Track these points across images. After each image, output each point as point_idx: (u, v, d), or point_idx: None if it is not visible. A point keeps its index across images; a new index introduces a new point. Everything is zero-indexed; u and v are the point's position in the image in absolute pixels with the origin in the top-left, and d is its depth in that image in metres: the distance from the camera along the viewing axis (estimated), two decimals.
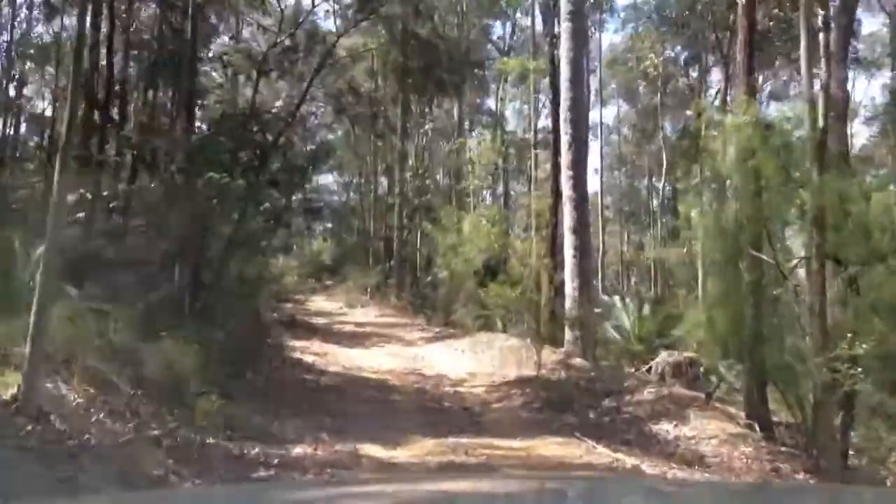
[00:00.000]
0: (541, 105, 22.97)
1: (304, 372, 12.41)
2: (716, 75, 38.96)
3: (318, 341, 16.08)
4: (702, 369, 13.27)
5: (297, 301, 25.45)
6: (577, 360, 13.94)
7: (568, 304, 15.25)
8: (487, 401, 11.58)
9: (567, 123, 15.37)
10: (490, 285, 17.35)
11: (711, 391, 10.91)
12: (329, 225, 45.95)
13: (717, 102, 24.94)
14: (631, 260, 44.11)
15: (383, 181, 31.52)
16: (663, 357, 13.79)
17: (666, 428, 9.56)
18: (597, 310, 16.26)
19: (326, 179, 49.58)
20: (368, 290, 27.28)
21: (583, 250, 15.34)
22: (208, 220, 11.40)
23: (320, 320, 21.02)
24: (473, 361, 14.88)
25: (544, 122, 25.79)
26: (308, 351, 14.64)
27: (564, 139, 15.48)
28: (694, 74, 38.60)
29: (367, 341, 17.23)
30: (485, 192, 24.44)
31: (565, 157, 15.38)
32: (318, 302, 26.98)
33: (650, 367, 13.72)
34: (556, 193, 17.19)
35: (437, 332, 18.83)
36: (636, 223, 45.90)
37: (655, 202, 45.81)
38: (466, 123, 29.07)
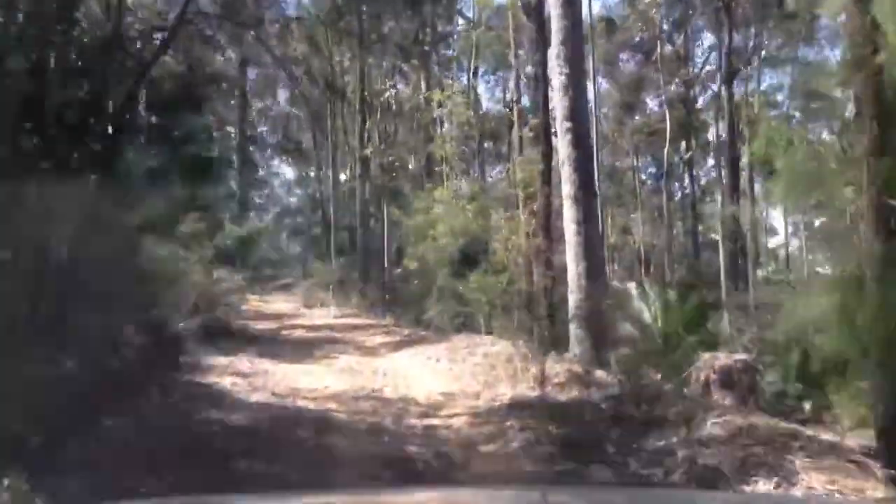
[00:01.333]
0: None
1: (208, 407, 8.48)
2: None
3: (251, 356, 12.16)
4: (762, 377, 9.63)
5: (243, 304, 21.53)
6: (593, 372, 10.21)
7: (573, 295, 11.47)
8: (472, 441, 7.76)
9: (561, 60, 11.54)
10: (470, 276, 13.59)
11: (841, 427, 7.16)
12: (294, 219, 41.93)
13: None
14: (615, 244, 40.56)
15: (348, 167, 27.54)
16: (706, 361, 10.04)
17: (766, 490, 5.81)
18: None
19: (287, 173, 45.66)
20: (331, 287, 23.32)
21: (588, 224, 11.56)
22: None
23: (266, 325, 17.09)
24: (451, 375, 11.06)
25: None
26: (230, 371, 10.73)
27: (558, 81, 11.66)
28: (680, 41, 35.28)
29: (316, 351, 13.33)
30: (458, 173, 20.71)
31: (560, 104, 11.56)
32: (274, 303, 23.02)
33: (686, 376, 9.99)
34: (547, 157, 13.38)
35: (407, 336, 14.99)
36: (620, 206, 42.42)
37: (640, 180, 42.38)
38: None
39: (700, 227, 38.83)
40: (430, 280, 16.02)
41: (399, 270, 22.46)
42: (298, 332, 15.95)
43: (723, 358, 10.08)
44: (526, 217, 13.78)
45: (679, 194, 41.23)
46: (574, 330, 11.29)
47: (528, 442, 7.54)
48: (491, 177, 30.06)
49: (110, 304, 8.39)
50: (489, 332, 13.27)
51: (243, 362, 11.56)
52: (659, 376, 10.19)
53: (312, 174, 30.48)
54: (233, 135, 35.36)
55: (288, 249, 51.24)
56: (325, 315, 19.42)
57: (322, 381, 10.58)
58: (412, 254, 16.75)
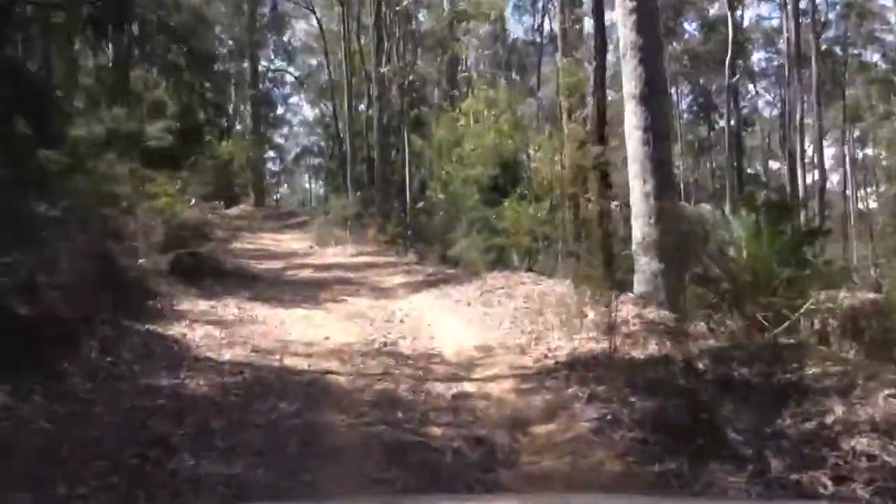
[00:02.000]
0: None
1: (158, 369, 6.21)
2: None
3: (241, 299, 9.86)
4: None
5: (248, 242, 19.33)
6: (669, 317, 7.79)
7: (638, 220, 8.98)
8: (522, 418, 5.40)
9: None
10: (505, 203, 11.14)
11: None
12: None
13: None
14: None
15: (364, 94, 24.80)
16: (821, 302, 7.55)
17: None
18: None
19: (308, 114, 42.94)
20: (349, 223, 20.95)
21: (657, 131, 8.97)
22: None
23: (271, 265, 14.81)
24: (486, 322, 8.67)
25: None
26: (208, 318, 8.44)
27: None
28: None
29: (323, 294, 11.03)
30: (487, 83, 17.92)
31: None
32: (286, 242, 20.72)
33: (793, 322, 7.51)
34: (601, 51, 10.69)
35: (431, 275, 12.61)
36: None
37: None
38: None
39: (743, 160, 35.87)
40: (457, 211, 13.58)
41: (422, 204, 20.05)
42: (306, 272, 13.67)
43: (848, 296, 7.65)
44: (572, 129, 11.17)
45: (719, 125, 38.04)
46: (641, 264, 8.82)
47: (603, 420, 5.16)
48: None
49: (25, 229, 6.09)
50: (530, 270, 10.85)
51: (229, 307, 9.28)
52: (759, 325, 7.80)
53: (329, 108, 27.77)
54: (245, 66, 32.85)
55: (310, 189, 48.92)
56: (339, 253, 17.11)
57: (323, 331, 8.27)
58: (436, 180, 14.29)
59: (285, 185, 54.56)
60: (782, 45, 30.85)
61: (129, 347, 6.67)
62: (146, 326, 7.52)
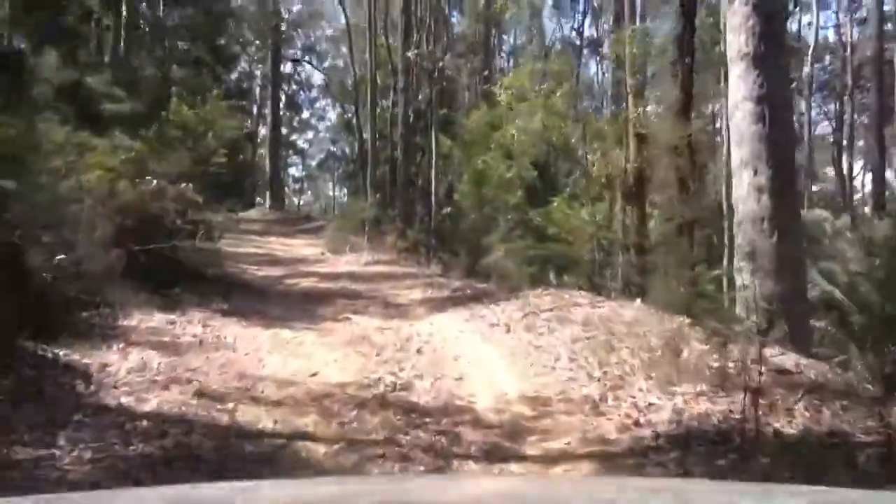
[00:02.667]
0: None
1: (29, 426, 3.88)
2: None
3: (213, 313, 7.50)
4: None
5: (256, 245, 17.18)
6: (805, 362, 5.34)
7: (746, 224, 6.55)
8: None
9: None
10: (554, 202, 8.77)
11: None
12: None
13: None
14: None
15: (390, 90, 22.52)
16: None
17: None
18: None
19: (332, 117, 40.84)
20: (366, 227, 18.63)
21: (775, 102, 6.53)
22: None
23: (270, 272, 12.52)
24: (534, 359, 6.23)
25: None
26: (153, 340, 6.09)
27: None
28: None
29: (322, 309, 8.65)
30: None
31: None
32: (296, 246, 18.45)
33: None
34: (689, 10, 8.24)
35: (458, 290, 10.19)
36: None
37: None
38: None
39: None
40: (494, 211, 11.19)
41: (448, 210, 17.69)
42: (309, 282, 11.34)
43: None
44: (641, 112, 8.75)
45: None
46: (747, 285, 6.36)
47: None
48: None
49: None
50: (590, 289, 8.41)
51: (192, 324, 6.93)
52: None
53: (352, 110, 25.49)
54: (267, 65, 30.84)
55: (333, 196, 46.73)
56: (352, 261, 14.79)
57: (310, 363, 5.91)
58: (469, 174, 11.92)
59: (308, 192, 52.60)
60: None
61: (5, 388, 4.35)
62: (57, 351, 5.21)
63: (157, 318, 6.92)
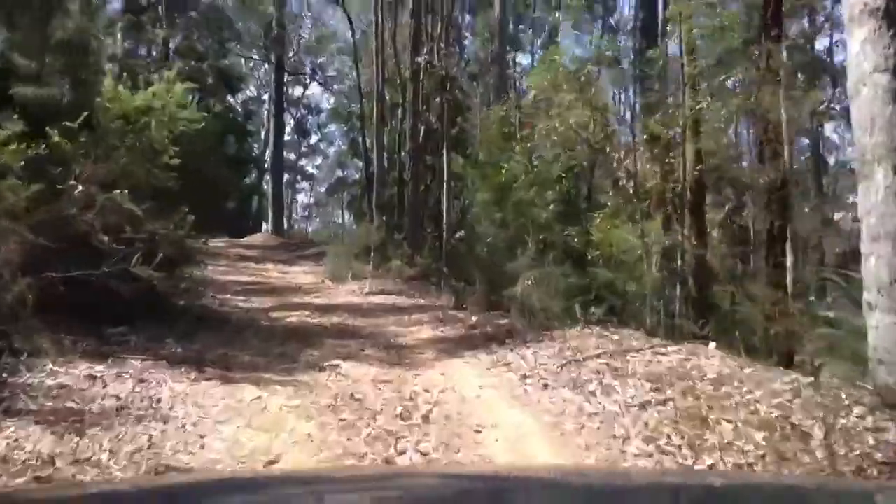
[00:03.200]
0: None
1: None
2: None
3: (158, 363, 5.72)
4: None
5: (250, 272, 15.51)
6: None
7: (883, 244, 4.68)
8: None
9: None
10: (596, 217, 6.97)
11: None
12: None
13: None
14: None
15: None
16: None
17: None
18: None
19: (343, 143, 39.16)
20: (371, 253, 16.86)
21: None
22: None
23: (258, 302, 10.72)
24: (591, 433, 4.39)
25: None
26: (49, 405, 4.32)
27: None
28: None
29: (307, 353, 6.78)
30: None
31: None
32: (295, 275, 16.67)
33: None
34: None
35: (475, 326, 8.34)
36: None
37: None
38: None
39: None
40: (520, 228, 9.37)
41: (462, 234, 15.88)
42: (299, 315, 9.50)
43: None
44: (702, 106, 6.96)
45: None
46: (884, 323, 4.52)
47: None
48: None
49: None
50: (645, 327, 6.55)
51: (120, 379, 5.10)
52: None
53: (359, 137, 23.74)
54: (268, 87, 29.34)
55: (343, 222, 45.02)
56: (354, 291, 12.99)
57: (270, 441, 4.08)
58: (482, 190, 10.14)
59: (318, 218, 51.09)
60: None
61: None
62: None
63: (77, 371, 5.11)
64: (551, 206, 8.20)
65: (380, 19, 18.78)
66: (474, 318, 8.89)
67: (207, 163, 29.12)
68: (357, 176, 38.49)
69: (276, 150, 27.66)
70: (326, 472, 2.64)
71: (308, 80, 37.43)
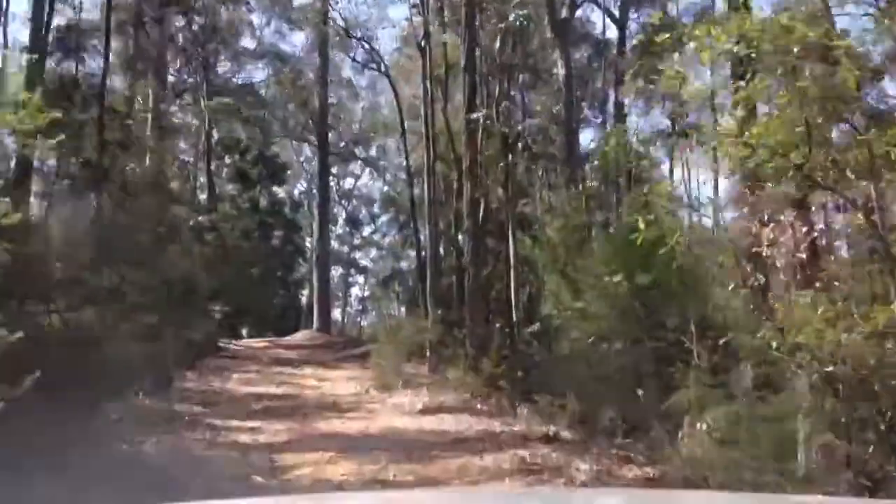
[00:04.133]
0: None
1: None
2: None
3: None
4: None
5: (282, 379, 12.54)
6: None
7: None
8: None
9: None
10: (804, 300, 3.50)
11: None
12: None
13: None
14: None
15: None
16: None
17: None
18: None
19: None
20: (427, 352, 13.70)
21: None
22: None
23: (272, 433, 7.61)
24: None
25: None
26: None
27: None
28: None
29: None
30: None
31: None
32: (335, 380, 13.53)
33: None
34: None
35: (597, 476, 5.08)
36: None
37: None
38: None
39: None
40: (623, 320, 6.11)
41: (536, 328, 12.66)
42: (316, 461, 6.32)
43: None
44: None
45: None
46: None
47: None
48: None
49: None
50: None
51: None
52: None
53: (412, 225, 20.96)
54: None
55: (399, 314, 42.00)
56: (402, 406, 9.79)
57: None
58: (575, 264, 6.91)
59: (372, 312, 48.32)
60: None
61: None
62: None
63: None
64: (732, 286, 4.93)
65: (429, 88, 16.30)
66: (586, 463, 5.55)
67: (251, 258, 27.01)
68: (412, 266, 35.77)
69: (322, 241, 25.12)
70: None
71: (354, 163, 35.41)
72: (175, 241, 17.18)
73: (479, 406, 10.02)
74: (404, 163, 18.60)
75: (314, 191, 34.40)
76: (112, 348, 7.71)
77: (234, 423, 8.14)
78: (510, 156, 13.19)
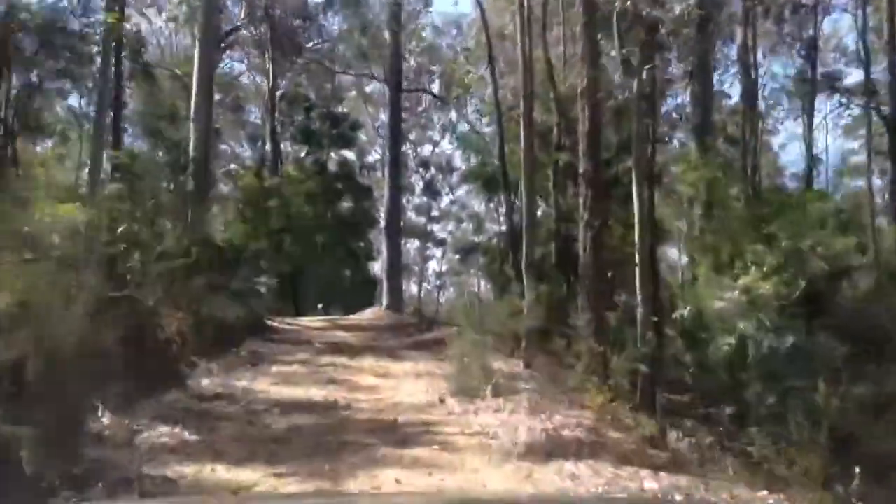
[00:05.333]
0: None
1: None
2: None
3: None
4: None
5: (329, 375, 9.10)
6: None
7: None
8: None
9: None
10: None
11: None
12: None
13: None
14: None
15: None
16: None
17: None
18: None
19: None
20: (523, 346, 9.98)
21: None
22: None
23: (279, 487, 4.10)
24: None
25: None
26: None
27: None
28: None
29: None
30: None
31: None
32: (393, 378, 9.92)
33: None
34: None
35: None
36: None
37: None
38: None
39: None
40: None
41: (686, 312, 8.76)
42: None
43: None
44: None
45: None
46: None
47: None
48: None
49: None
50: None
51: None
52: None
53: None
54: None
55: (477, 293, 38.28)
56: (499, 433, 6.22)
57: None
58: None
59: (451, 289, 44.77)
60: None
61: None
62: None
63: None
64: None
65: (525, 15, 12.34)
66: None
67: (316, 227, 23.81)
68: (492, 239, 32.03)
69: (393, 203, 21.62)
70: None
71: (433, 129, 31.82)
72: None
73: (615, 434, 6.27)
74: (484, 116, 14.77)
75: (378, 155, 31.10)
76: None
77: (219, 473, 4.67)
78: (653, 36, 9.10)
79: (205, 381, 8.31)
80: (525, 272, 10.89)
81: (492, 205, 20.68)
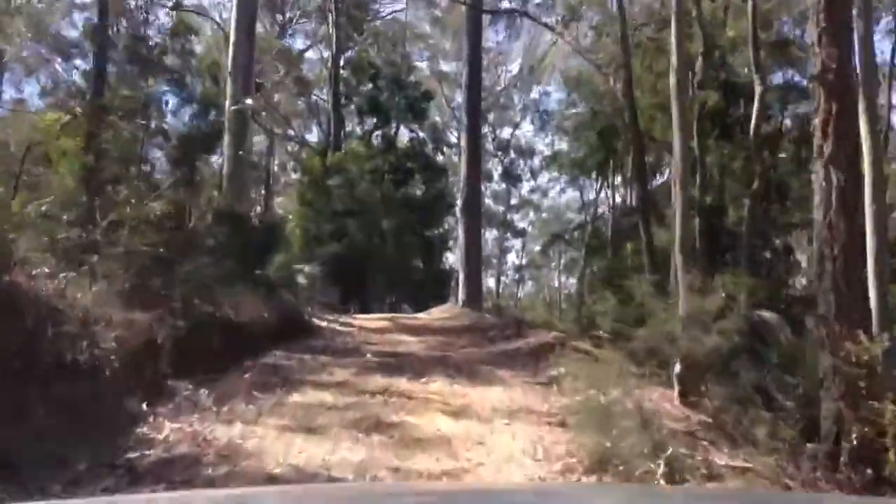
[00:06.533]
0: None
1: None
2: None
3: None
4: None
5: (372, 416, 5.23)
6: None
7: None
8: None
9: None
10: None
11: None
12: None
13: None
14: None
15: None
16: None
17: None
18: None
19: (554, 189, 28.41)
20: (677, 368, 6.06)
21: None
22: None
23: None
24: None
25: None
26: None
27: None
28: None
29: None
30: None
31: None
32: (489, 422, 6.16)
33: None
34: None
35: None
36: None
37: None
38: None
39: None
40: None
41: None
42: None
43: None
44: None
45: None
46: None
47: None
48: None
49: None
50: None
51: None
52: None
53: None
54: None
55: (559, 289, 34.01)
56: None
57: None
58: None
59: (530, 282, 40.84)
60: None
61: None
62: None
63: None
64: None
65: None
66: None
67: (383, 210, 20.32)
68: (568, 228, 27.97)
69: (470, 183, 17.83)
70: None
71: (513, 109, 28.05)
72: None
73: None
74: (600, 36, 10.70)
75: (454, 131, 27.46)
76: None
77: None
78: None
79: (155, 432, 4.76)
80: (681, 260, 6.90)
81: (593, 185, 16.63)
